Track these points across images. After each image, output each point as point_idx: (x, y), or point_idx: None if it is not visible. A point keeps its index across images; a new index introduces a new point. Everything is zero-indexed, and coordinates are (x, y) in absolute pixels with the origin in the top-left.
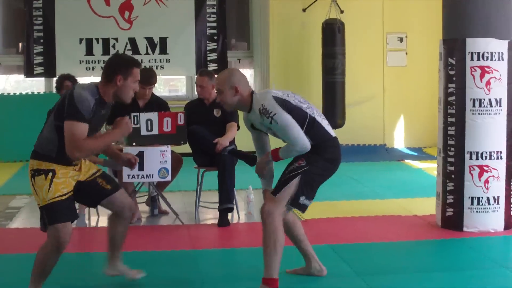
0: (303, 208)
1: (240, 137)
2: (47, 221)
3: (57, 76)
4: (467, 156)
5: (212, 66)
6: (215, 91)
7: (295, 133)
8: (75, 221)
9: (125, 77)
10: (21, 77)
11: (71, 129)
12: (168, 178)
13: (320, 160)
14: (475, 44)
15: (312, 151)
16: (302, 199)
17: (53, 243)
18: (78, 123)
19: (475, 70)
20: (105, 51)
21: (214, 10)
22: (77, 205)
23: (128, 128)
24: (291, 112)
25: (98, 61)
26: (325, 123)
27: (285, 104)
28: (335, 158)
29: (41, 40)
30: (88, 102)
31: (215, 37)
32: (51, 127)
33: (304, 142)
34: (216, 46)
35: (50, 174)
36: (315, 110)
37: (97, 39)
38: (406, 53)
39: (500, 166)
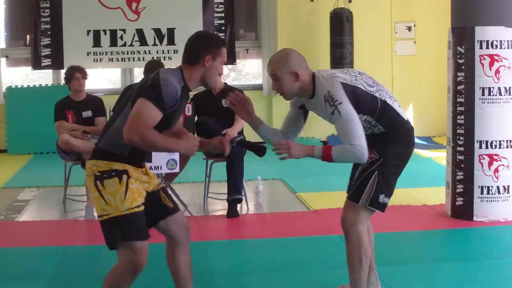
0: (383, 207)
1: (249, 127)
2: (121, 237)
3: (66, 68)
4: (476, 145)
5: None
6: (271, 76)
7: (356, 130)
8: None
9: (214, 57)
10: (29, 69)
11: (142, 108)
12: (177, 170)
13: (396, 147)
14: (484, 33)
15: (383, 138)
16: (382, 198)
17: (127, 266)
18: (153, 106)
19: (484, 59)
20: (113, 42)
21: (222, 0)
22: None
23: (194, 147)
24: (359, 101)
25: (106, 52)
26: (396, 105)
27: (354, 93)
28: (411, 144)
29: (49, 32)
30: (176, 90)
31: (223, 27)
32: (127, 115)
33: (363, 145)
34: (224, 36)
35: (125, 177)
36: (385, 91)
37: (104, 31)
38: (415, 42)
39: (510, 154)
